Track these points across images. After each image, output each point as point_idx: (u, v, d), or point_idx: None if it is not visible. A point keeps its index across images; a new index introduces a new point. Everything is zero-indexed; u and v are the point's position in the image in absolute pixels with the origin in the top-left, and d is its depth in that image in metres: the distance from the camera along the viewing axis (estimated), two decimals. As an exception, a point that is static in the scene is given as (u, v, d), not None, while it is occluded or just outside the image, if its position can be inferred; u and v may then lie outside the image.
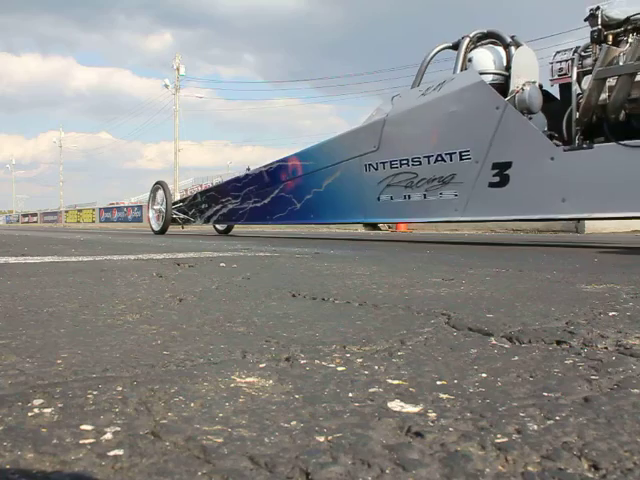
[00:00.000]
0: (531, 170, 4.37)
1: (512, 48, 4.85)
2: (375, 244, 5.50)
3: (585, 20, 4.17)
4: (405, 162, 5.12)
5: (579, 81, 4.27)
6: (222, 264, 2.75)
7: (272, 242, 5.66)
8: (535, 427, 0.61)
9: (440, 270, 2.45)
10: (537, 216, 4.76)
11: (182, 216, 8.44)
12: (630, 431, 0.59)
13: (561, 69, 4.42)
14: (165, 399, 0.70)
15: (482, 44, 5.06)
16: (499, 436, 0.58)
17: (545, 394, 0.72)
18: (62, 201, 54.08)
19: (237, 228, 9.20)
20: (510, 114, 4.45)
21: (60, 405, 0.68)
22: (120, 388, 0.74)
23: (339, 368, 0.85)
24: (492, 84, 4.68)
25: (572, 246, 4.80)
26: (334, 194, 5.80)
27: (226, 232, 8.69)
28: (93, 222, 29.59)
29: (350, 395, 0.72)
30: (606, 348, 0.97)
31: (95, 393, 0.72)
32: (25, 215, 45.56)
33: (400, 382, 0.77)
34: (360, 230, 12.08)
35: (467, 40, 5.03)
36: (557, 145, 4.26)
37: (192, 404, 0.68)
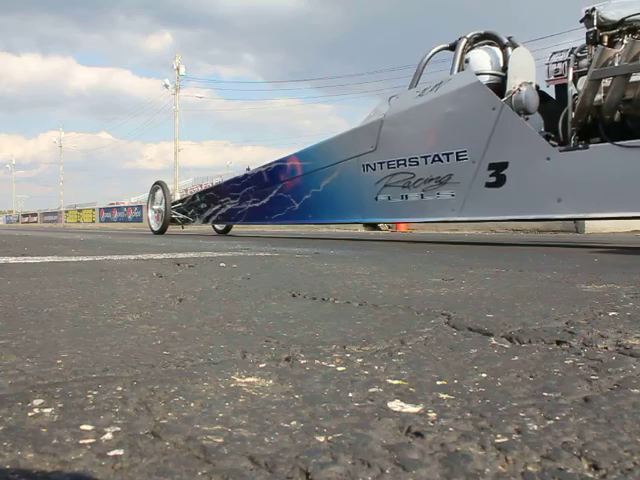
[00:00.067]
0: (527, 170, 4.39)
1: (509, 49, 4.87)
2: (375, 244, 5.50)
3: (581, 21, 4.19)
4: (402, 162, 5.13)
5: (575, 82, 4.29)
6: (222, 264, 2.75)
7: (272, 242, 5.66)
8: (535, 427, 0.61)
9: (440, 270, 2.45)
10: (533, 216, 4.78)
11: (181, 216, 8.45)
12: (630, 431, 0.59)
13: (557, 70, 4.43)
14: (165, 399, 0.70)
15: (479, 45, 5.07)
16: (499, 436, 0.58)
17: (545, 394, 0.72)
18: (62, 201, 54.13)
19: (237, 228, 9.20)
20: (506, 115, 4.47)
21: (60, 405, 0.68)
22: (120, 388, 0.74)
23: (339, 368, 0.85)
24: (489, 85, 4.70)
25: (572, 246, 4.80)
26: (332, 194, 5.82)
27: (225, 232, 8.69)
28: (93, 222, 29.59)
29: (350, 395, 0.72)
30: (606, 348, 0.97)
31: (95, 393, 0.72)
32: (25, 215, 45.56)
33: (400, 382, 0.77)
34: (360, 230, 12.08)
35: (464, 41, 5.05)
36: (553, 145, 4.28)
37: (192, 404, 0.68)
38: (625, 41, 3.97)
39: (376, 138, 5.32)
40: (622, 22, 4.00)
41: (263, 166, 6.79)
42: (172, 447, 0.56)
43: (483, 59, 4.90)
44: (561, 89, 4.49)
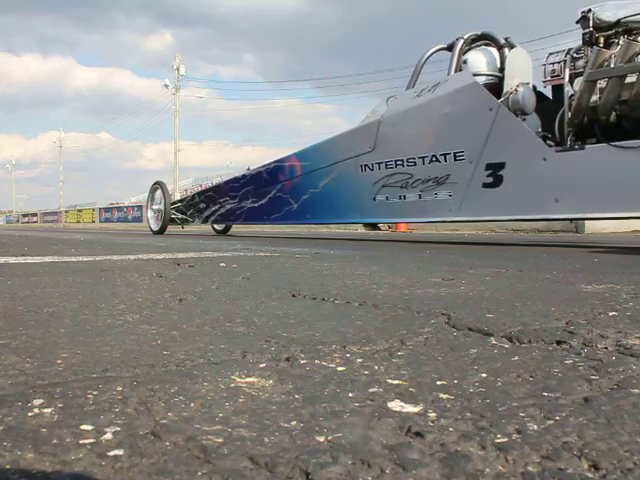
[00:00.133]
0: (524, 171, 4.41)
1: (506, 49, 4.88)
2: (375, 244, 5.50)
3: (577, 22, 4.20)
4: (400, 163, 5.15)
5: (571, 82, 4.30)
6: (222, 264, 2.75)
7: (272, 242, 5.66)
8: (535, 427, 0.61)
9: (440, 270, 2.45)
10: (530, 216, 4.79)
11: (180, 216, 8.46)
12: (630, 431, 0.59)
13: (554, 71, 4.45)
14: (165, 399, 0.70)
15: (476, 45, 5.08)
16: (499, 436, 0.58)
17: (545, 394, 0.72)
18: (62, 201, 54.13)
19: (236, 228, 9.20)
20: (503, 115, 4.48)
21: (60, 405, 0.68)
22: (120, 388, 0.74)
23: (339, 368, 0.85)
24: (486, 85, 4.71)
25: (572, 246, 4.80)
26: (331, 194, 5.83)
27: (224, 232, 8.70)
28: (93, 222, 29.59)
29: (350, 395, 0.72)
30: (606, 348, 0.97)
31: (95, 393, 0.72)
32: (25, 215, 45.56)
33: (400, 382, 0.77)
34: (360, 230, 12.08)
35: (461, 42, 5.06)
36: (550, 146, 4.29)
37: (192, 404, 0.68)
38: (621, 42, 3.98)
39: (374, 138, 5.33)
40: (618, 23, 4.02)
41: (262, 166, 6.80)
42: (172, 447, 0.56)
43: (480, 60, 4.92)
44: (558, 90, 4.51)
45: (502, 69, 4.81)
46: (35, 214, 42.00)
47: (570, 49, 4.38)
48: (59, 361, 0.88)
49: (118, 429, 0.60)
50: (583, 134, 4.21)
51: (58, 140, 59.89)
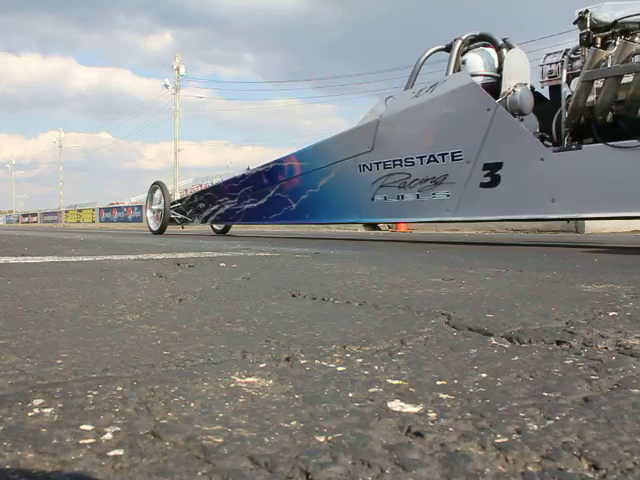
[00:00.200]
0: (521, 171, 4.42)
1: (504, 50, 4.89)
2: (375, 244, 5.50)
3: (574, 23, 4.21)
4: (398, 163, 5.16)
5: (569, 83, 4.31)
6: (222, 264, 2.75)
7: (272, 242, 5.66)
8: (535, 427, 0.61)
9: (440, 270, 2.45)
10: (527, 216, 4.80)
11: (180, 216, 8.46)
12: (630, 431, 0.59)
13: (551, 71, 4.46)
14: (165, 399, 0.70)
15: (474, 46, 5.09)
16: (499, 436, 0.58)
17: (545, 394, 0.72)
18: (62, 201, 54.13)
19: (236, 228, 9.20)
20: (501, 115, 4.50)
21: (60, 405, 0.68)
22: (120, 388, 0.74)
23: (339, 368, 0.85)
24: (484, 86, 4.72)
25: (572, 246, 4.80)
26: (329, 194, 5.84)
27: (223, 232, 8.70)
28: (93, 222, 29.59)
29: (350, 395, 0.72)
30: (606, 348, 0.97)
31: (95, 393, 0.72)
32: (25, 215, 45.56)
33: (400, 382, 0.77)
34: (360, 230, 12.08)
35: (459, 42, 5.07)
36: (547, 146, 4.30)
37: (192, 404, 0.68)
38: (617, 43, 3.99)
39: (372, 138, 5.34)
40: (615, 24, 4.03)
41: (261, 166, 6.81)
42: (172, 447, 0.56)
43: (478, 60, 4.93)
44: (555, 90, 4.52)
45: (500, 70, 4.82)
46: (35, 214, 42.01)
47: (567, 49, 4.40)
48: (59, 361, 0.88)
49: (118, 429, 0.60)
50: (580, 134, 4.22)
51: (58, 140, 59.93)
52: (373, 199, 5.43)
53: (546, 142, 4.36)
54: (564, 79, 4.32)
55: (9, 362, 0.87)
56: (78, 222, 31.62)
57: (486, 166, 4.58)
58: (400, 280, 2.03)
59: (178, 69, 35.51)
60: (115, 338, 1.05)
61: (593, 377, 0.79)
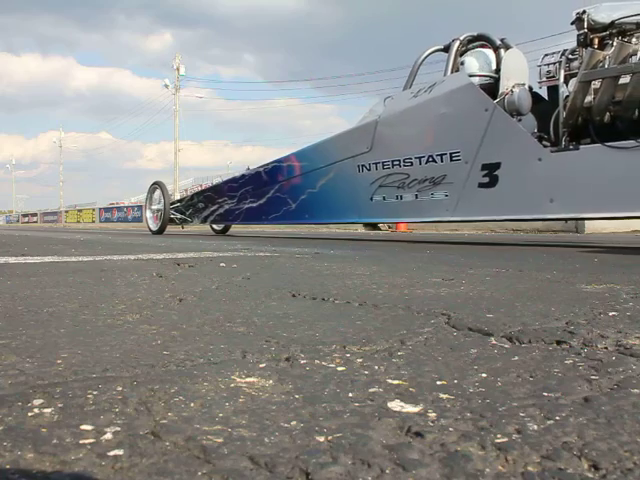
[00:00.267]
0: (519, 171, 4.44)
1: (502, 50, 4.91)
2: (375, 244, 5.50)
3: (572, 24, 4.22)
4: (397, 163, 5.17)
5: (566, 83, 4.31)
6: (222, 264, 2.75)
7: (272, 242, 5.66)
8: (535, 427, 0.61)
9: (440, 270, 2.45)
10: (525, 216, 4.81)
11: (179, 216, 8.46)
12: (630, 431, 0.59)
13: (549, 72, 4.47)
14: (165, 399, 0.70)
15: (472, 47, 5.10)
16: (499, 436, 0.58)
17: (545, 394, 0.72)
18: (62, 201, 54.14)
19: (236, 228, 9.20)
20: (499, 116, 4.50)
21: (60, 405, 0.68)
22: (120, 388, 0.74)
23: (339, 368, 0.85)
24: (482, 86, 4.72)
25: (572, 246, 4.80)
26: (328, 194, 5.85)
27: (223, 232, 8.71)
28: (93, 222, 29.59)
29: (350, 395, 0.72)
30: (606, 348, 0.97)
31: (95, 393, 0.72)
32: (25, 215, 45.55)
33: (400, 382, 0.77)
34: (360, 230, 12.08)
35: (457, 43, 5.08)
36: (545, 146, 4.31)
37: (192, 404, 0.68)
38: (615, 43, 4.00)
39: (371, 139, 5.35)
40: (612, 24, 4.04)
41: (261, 166, 6.82)
42: (172, 447, 0.56)
43: (476, 61, 4.93)
44: (553, 90, 4.53)
45: (498, 70, 4.83)
46: (35, 214, 42.01)
47: (565, 50, 4.41)
48: (59, 361, 0.88)
49: (118, 429, 0.60)
50: (578, 134, 4.23)
51: (58, 140, 59.93)
52: (372, 199, 5.44)
53: (544, 142, 4.38)
54: (562, 79, 4.33)
55: (9, 362, 0.87)
56: (78, 222, 31.62)
57: (484, 166, 4.60)
58: (400, 280, 2.03)
59: (178, 69, 35.52)
60: (115, 338, 1.05)
61: (593, 377, 0.79)
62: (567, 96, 4.24)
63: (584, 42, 4.13)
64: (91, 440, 0.57)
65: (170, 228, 8.81)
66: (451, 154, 4.78)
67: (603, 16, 4.07)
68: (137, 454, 0.54)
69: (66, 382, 0.77)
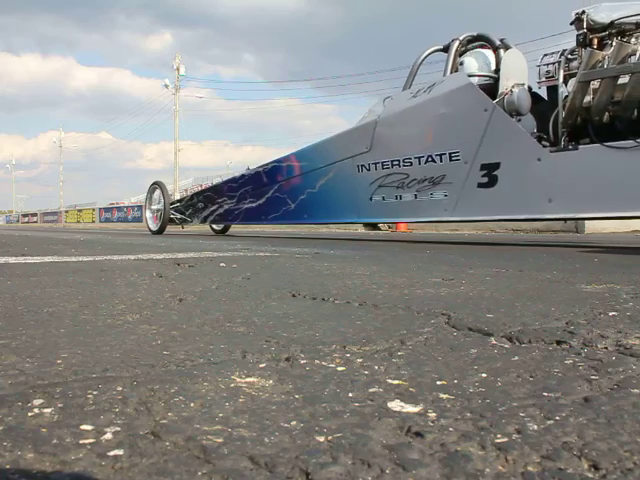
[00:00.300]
0: (519, 171, 4.44)
1: (501, 51, 4.91)
2: (375, 244, 5.50)
3: (571, 24, 4.23)
4: (396, 163, 5.17)
5: (566, 83, 4.32)
6: (222, 264, 2.75)
7: (272, 242, 5.66)
8: (535, 427, 0.61)
9: (440, 270, 2.45)
10: (525, 216, 4.82)
11: (179, 216, 8.47)
12: (630, 431, 0.59)
13: (548, 72, 4.47)
14: (165, 399, 0.70)
15: (472, 47, 5.11)
16: (499, 436, 0.58)
17: (545, 394, 0.72)
18: (62, 201, 54.14)
19: (236, 228, 9.20)
20: (498, 116, 4.51)
21: (60, 405, 0.68)
22: (120, 388, 0.74)
23: (339, 368, 0.85)
24: (481, 86, 4.73)
25: (572, 246, 4.80)
26: (327, 194, 5.85)
27: (223, 232, 8.71)
28: (93, 222, 29.59)
29: (350, 395, 0.72)
30: (606, 348, 0.97)
31: (95, 393, 0.72)
32: (25, 215, 45.55)
33: (400, 382, 0.77)
34: (360, 230, 12.08)
35: (457, 43, 5.09)
36: (544, 146, 4.31)
37: (192, 404, 0.68)
38: (614, 43, 4.00)
39: (370, 139, 5.35)
40: (611, 25, 4.04)
41: (260, 166, 6.82)
42: (172, 447, 0.56)
43: (475, 61, 4.94)
44: (552, 90, 4.54)
45: (497, 70, 4.83)
46: (35, 214, 42.00)
47: (565, 50, 4.41)
48: (59, 361, 0.88)
49: (118, 429, 0.60)
50: (577, 134, 4.24)
51: (58, 140, 59.93)
52: (371, 199, 5.44)
53: (543, 142, 4.38)
54: (561, 79, 4.33)
55: (9, 362, 0.87)
56: (78, 222, 31.62)
57: (483, 166, 4.60)
58: (400, 280, 2.03)
59: (178, 69, 35.52)
60: (115, 338, 1.05)
61: (593, 377, 0.79)
62: (566, 96, 4.24)
63: (583, 42, 4.13)
64: (91, 440, 0.57)
65: (170, 228, 8.81)
66: (450, 154, 4.79)
67: (602, 16, 4.08)
68: (137, 454, 0.54)
69: (66, 382, 0.77)
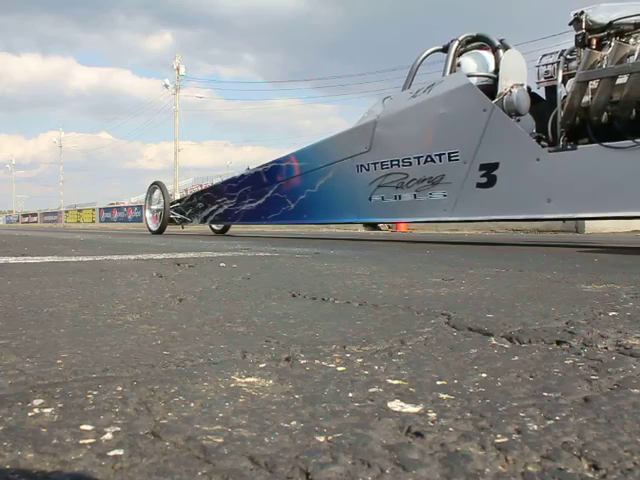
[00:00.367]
0: (517, 171, 4.45)
1: (500, 51, 4.92)
2: (375, 244, 5.50)
3: (570, 24, 4.23)
4: (396, 163, 5.18)
5: (564, 83, 4.32)
6: (222, 264, 2.75)
7: (272, 242, 5.66)
8: (535, 427, 0.61)
9: (440, 270, 2.45)
10: (523, 216, 4.82)
11: (179, 216, 8.47)
12: (630, 431, 0.59)
13: (547, 72, 4.47)
14: (165, 399, 0.70)
15: (471, 47, 5.11)
16: (499, 436, 0.58)
17: (545, 394, 0.72)
18: (62, 201, 54.16)
19: (236, 228, 9.20)
20: (497, 116, 4.51)
21: (60, 405, 0.68)
22: (120, 388, 0.74)
23: (339, 368, 0.85)
24: (480, 87, 4.73)
25: (572, 246, 4.80)
26: (327, 194, 5.86)
27: (222, 232, 8.71)
28: (93, 222, 29.59)
29: (350, 395, 0.72)
30: (606, 348, 0.97)
31: (95, 393, 0.72)
32: (25, 215, 45.55)
33: (400, 382, 0.77)
34: (360, 230, 12.08)
35: (456, 43, 5.09)
36: (543, 146, 4.32)
37: (192, 404, 0.68)
38: (612, 44, 4.01)
39: (370, 139, 5.36)
40: (610, 25, 4.05)
41: (260, 166, 6.82)
42: (172, 447, 0.56)
43: (475, 61, 4.94)
44: (551, 91, 4.54)
45: (496, 70, 4.84)
46: (35, 214, 42.00)
47: (563, 50, 4.42)
48: (59, 361, 0.88)
49: (118, 429, 0.60)
50: (576, 135, 4.24)
51: (58, 140, 59.95)
52: (371, 199, 5.45)
53: (542, 142, 4.38)
54: (560, 80, 4.34)
55: (9, 362, 0.87)
56: (78, 222, 31.61)
57: (482, 166, 4.61)
58: (400, 280, 2.03)
59: (178, 69, 35.53)
60: (115, 338, 1.05)
61: (593, 377, 0.79)
62: (565, 96, 4.24)
63: (582, 42, 4.14)
64: (91, 440, 0.57)
65: (170, 228, 8.81)
66: (449, 154, 4.79)
67: (601, 17, 4.08)
68: (137, 454, 0.54)
69: (66, 382, 0.77)
